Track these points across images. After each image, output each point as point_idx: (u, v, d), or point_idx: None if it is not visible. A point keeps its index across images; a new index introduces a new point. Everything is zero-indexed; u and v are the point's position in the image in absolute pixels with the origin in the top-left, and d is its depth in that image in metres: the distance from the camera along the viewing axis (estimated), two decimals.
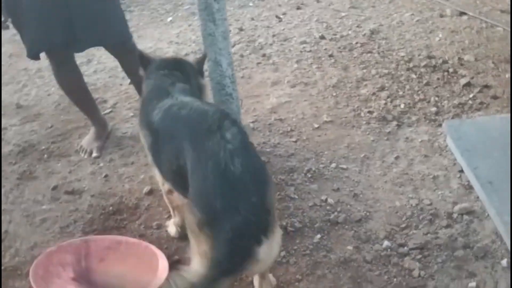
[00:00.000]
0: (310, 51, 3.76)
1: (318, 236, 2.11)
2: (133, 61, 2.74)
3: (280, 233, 1.60)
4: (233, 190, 1.45)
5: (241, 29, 4.24)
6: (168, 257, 2.02)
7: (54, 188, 2.57)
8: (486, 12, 4.16)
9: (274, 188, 1.94)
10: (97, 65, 3.88)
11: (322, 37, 3.94)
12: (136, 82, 2.87)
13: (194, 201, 1.52)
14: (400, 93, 3.10)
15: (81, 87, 2.77)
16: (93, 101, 2.90)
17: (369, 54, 3.63)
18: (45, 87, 3.60)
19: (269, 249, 1.49)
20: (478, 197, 2.23)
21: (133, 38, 2.68)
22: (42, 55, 2.56)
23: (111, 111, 3.23)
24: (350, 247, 2.05)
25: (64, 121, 3.16)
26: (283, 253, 2.02)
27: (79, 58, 3.87)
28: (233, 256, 1.41)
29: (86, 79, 3.41)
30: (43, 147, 2.90)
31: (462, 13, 4.18)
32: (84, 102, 2.84)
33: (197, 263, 1.48)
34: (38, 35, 2.42)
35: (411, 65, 3.41)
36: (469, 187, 2.30)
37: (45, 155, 2.83)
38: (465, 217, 2.15)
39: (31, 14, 2.35)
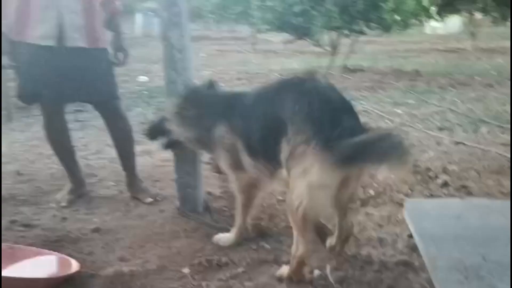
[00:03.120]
0: None
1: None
2: (118, 125, 3.00)
3: None
4: None
5: None
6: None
7: (13, 222, 2.65)
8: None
9: None
10: (103, 155, 4.15)
11: None
12: (120, 151, 3.09)
13: None
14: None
15: (66, 141, 3.00)
16: (75, 160, 3.09)
17: None
18: (50, 164, 3.85)
19: None
20: (421, 255, 2.09)
21: (119, 101, 2.97)
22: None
23: (96, 182, 3.39)
24: None
25: (52, 184, 3.33)
26: None
27: (89, 145, 4.20)
28: None
29: (90, 162, 3.68)
30: (22, 198, 3.06)
31: (458, 143, 4.26)
32: (66, 158, 3.04)
33: None
34: (34, 84, 2.75)
35: None
36: (415, 248, 2.17)
37: (20, 203, 2.97)
38: (401, 267, 2.00)
39: (31, 66, 2.72)
